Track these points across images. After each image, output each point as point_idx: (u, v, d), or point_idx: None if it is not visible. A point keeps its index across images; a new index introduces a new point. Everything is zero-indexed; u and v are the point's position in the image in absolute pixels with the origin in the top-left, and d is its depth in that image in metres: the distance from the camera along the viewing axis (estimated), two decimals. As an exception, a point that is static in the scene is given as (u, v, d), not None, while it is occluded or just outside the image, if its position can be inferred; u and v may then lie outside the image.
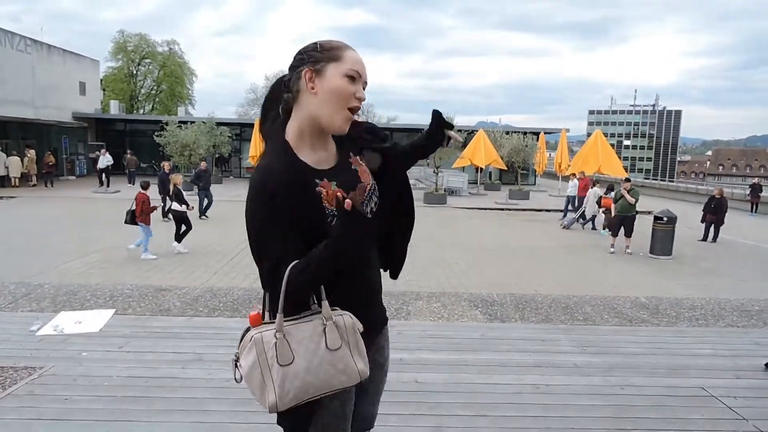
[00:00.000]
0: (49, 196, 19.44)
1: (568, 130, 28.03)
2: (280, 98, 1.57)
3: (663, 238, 11.65)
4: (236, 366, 1.42)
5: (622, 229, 11.79)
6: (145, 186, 9.76)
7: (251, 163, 25.70)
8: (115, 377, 3.55)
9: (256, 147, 23.61)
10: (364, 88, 1.54)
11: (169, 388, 3.39)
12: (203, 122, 24.53)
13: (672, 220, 11.71)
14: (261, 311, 1.48)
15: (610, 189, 15.60)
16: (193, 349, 4.04)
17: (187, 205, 10.16)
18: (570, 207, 17.39)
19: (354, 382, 1.45)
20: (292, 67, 1.54)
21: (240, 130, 31.58)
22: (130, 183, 24.78)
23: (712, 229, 14.05)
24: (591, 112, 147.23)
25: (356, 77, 1.50)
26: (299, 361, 1.36)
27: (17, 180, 21.98)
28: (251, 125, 25.52)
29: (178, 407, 3.15)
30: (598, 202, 14.95)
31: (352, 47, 1.54)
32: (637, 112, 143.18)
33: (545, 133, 30.28)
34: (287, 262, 1.37)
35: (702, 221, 14.29)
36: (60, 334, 4.39)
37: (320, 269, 1.37)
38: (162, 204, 12.47)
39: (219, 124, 25.86)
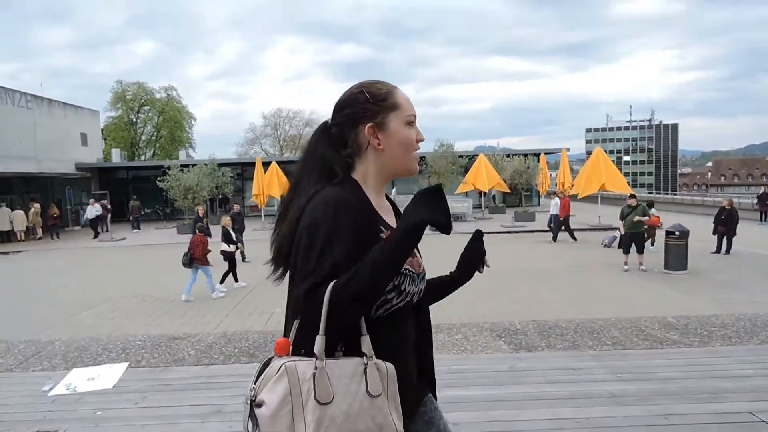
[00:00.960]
0: (54, 248, 19.40)
1: (568, 150, 28.10)
2: (334, 153, 1.41)
3: (677, 253, 11.47)
4: (252, 408, 1.14)
5: (633, 246, 11.63)
6: (202, 230, 10.21)
7: (255, 202, 25.76)
8: (133, 437, 3.39)
9: (259, 185, 23.68)
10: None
11: (191, 445, 3.23)
12: (205, 164, 24.63)
13: (684, 233, 11.55)
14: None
15: (650, 206, 15.34)
16: (211, 400, 3.88)
17: (236, 245, 10.44)
18: (552, 224, 17.87)
19: None
20: (342, 123, 1.42)
21: (241, 170, 31.77)
22: (134, 229, 24.78)
23: (724, 240, 13.86)
24: (588, 130, 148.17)
25: (414, 120, 1.44)
26: (339, 401, 1.12)
27: (23, 234, 21.99)
28: (252, 164, 25.60)
29: (201, 466, 2.98)
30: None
31: (397, 86, 1.46)
32: (634, 128, 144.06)
33: (545, 153, 30.37)
34: (329, 282, 1.18)
35: (714, 233, 14.11)
36: (73, 393, 4.24)
37: (371, 275, 1.17)
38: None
39: (220, 164, 25.97)
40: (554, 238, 17.16)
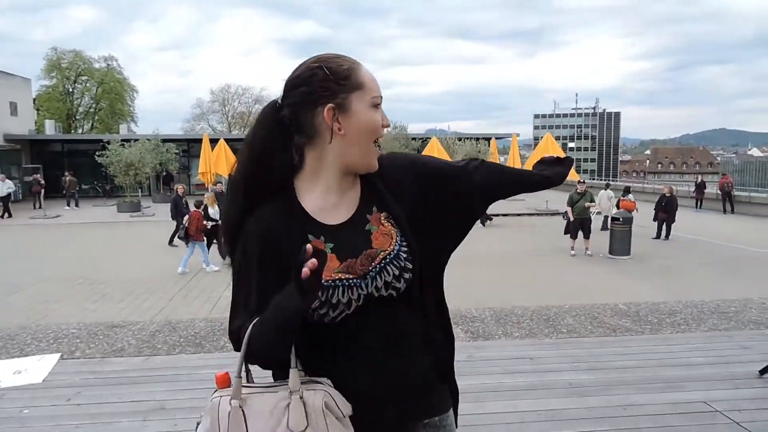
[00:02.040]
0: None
1: (518, 135, 28.54)
2: (282, 142, 1.23)
3: (621, 239, 11.83)
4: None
5: (581, 231, 11.90)
6: (198, 205, 10.29)
7: (201, 180, 24.86)
8: (64, 438, 3.09)
9: (205, 163, 22.84)
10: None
11: (129, 448, 2.96)
12: (148, 139, 23.56)
13: (628, 220, 11.91)
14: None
15: (627, 191, 15.82)
16: (153, 395, 3.60)
17: (214, 221, 10.27)
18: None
19: None
20: (296, 104, 1.21)
21: (188, 146, 30.61)
22: (68, 206, 23.48)
23: (664, 226, 14.42)
24: (536, 116, 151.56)
25: (380, 103, 1.24)
26: None
27: (-54, 209, 20.45)
28: (199, 140, 24.65)
29: (140, 471, 2.73)
30: (617, 205, 14.78)
31: (360, 62, 1.24)
32: (579, 115, 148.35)
33: (496, 138, 30.74)
34: (246, 318, 1.18)
35: (654, 219, 14.66)
36: (-4, 388, 3.85)
37: (268, 333, 1.13)
38: (176, 228, 11.75)
39: (165, 140, 24.89)
40: (482, 222, 16.93)
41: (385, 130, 1.28)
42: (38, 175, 24.60)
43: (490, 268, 9.93)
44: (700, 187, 23.99)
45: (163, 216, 20.14)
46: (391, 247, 1.24)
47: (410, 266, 1.24)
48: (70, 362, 4.39)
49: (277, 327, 1.12)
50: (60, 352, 4.61)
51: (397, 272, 1.22)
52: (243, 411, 1.13)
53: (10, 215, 20.37)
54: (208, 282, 8.73)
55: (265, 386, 1.17)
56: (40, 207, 22.43)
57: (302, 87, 1.20)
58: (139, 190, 23.97)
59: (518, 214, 20.69)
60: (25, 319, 6.25)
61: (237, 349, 1.19)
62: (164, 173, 26.98)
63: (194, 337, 4.96)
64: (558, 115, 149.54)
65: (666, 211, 14.46)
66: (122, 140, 22.79)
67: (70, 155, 30.65)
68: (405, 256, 1.24)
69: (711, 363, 4.06)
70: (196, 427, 1.22)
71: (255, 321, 1.15)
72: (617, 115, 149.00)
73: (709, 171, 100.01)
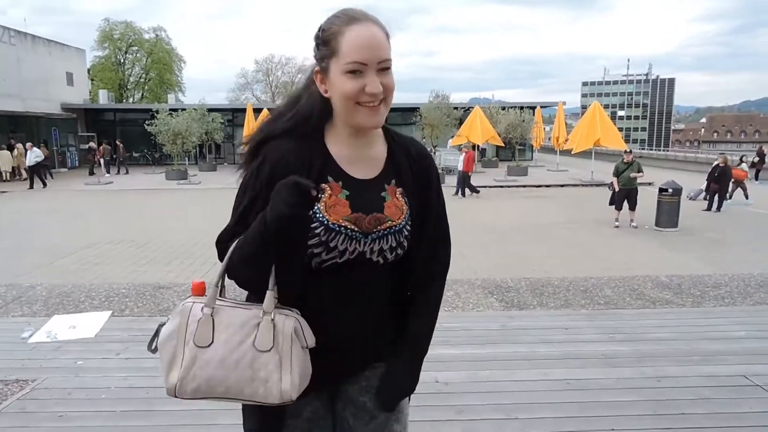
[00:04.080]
0: (40, 189, 19.05)
1: (564, 104, 27.68)
2: (315, 95, 1.32)
3: (669, 210, 11.42)
4: (157, 332, 1.24)
5: (626, 202, 11.55)
6: None
7: (245, 150, 25.28)
8: (114, 388, 3.30)
9: (249, 132, 23.16)
10: (388, 68, 1.24)
11: (172, 399, 3.13)
12: (194, 109, 24.00)
13: (677, 191, 11.47)
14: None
15: (741, 160, 15.59)
16: (195, 353, 3.78)
17: None
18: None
19: (271, 401, 1.18)
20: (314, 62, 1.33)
21: (232, 116, 31.12)
22: (108, 172, 24.35)
23: (716, 198, 13.84)
24: (584, 84, 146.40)
25: (362, 69, 1.21)
26: (217, 347, 1.17)
27: (8, 174, 21.55)
28: (243, 110, 25.05)
29: (181, 421, 2.90)
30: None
31: (357, 20, 1.23)
32: (630, 82, 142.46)
33: (541, 106, 29.90)
34: (239, 232, 1.23)
35: (706, 190, 14.07)
36: (54, 341, 4.13)
37: (239, 256, 1.20)
38: None
39: (210, 110, 25.34)
40: (461, 193, 16.77)
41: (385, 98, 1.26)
42: (93, 143, 25.56)
43: (530, 240, 9.81)
44: (760, 156, 22.79)
45: (209, 183, 20.72)
46: (399, 221, 1.31)
47: (406, 245, 1.33)
48: (119, 319, 4.65)
49: (258, 235, 1.17)
50: (111, 310, 4.88)
51: (394, 244, 1.30)
52: (213, 319, 1.19)
53: (43, 184, 19.59)
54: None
55: (238, 303, 1.24)
56: (92, 174, 23.43)
57: (314, 45, 1.30)
58: (186, 159, 24.60)
59: (561, 185, 20.24)
60: (79, 279, 6.61)
61: (221, 259, 1.26)
62: (210, 142, 27.55)
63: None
64: (608, 83, 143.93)
65: (719, 182, 13.85)
66: (170, 110, 23.32)
67: (122, 123, 31.67)
68: (406, 234, 1.32)
69: (754, 337, 3.94)
70: (158, 328, 1.25)
71: (246, 234, 1.21)
72: (671, 81, 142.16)
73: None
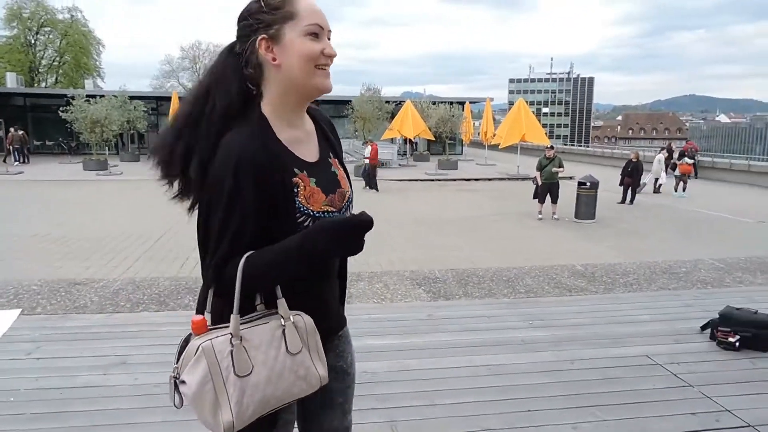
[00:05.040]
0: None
1: (492, 100, 28.52)
2: (236, 75, 1.27)
3: (587, 203, 12.09)
4: (176, 386, 1.17)
5: (548, 196, 12.10)
6: None
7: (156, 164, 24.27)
8: (23, 390, 3.11)
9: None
10: (329, 39, 1.29)
11: (89, 399, 3.01)
12: (114, 96, 22.82)
13: (594, 184, 12.15)
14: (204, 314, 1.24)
15: (681, 155, 17.27)
16: (114, 351, 3.63)
17: None
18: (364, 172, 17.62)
19: (314, 389, 1.29)
20: (240, 37, 1.28)
21: (156, 104, 29.82)
22: (17, 161, 22.77)
23: (629, 191, 14.77)
24: (511, 81, 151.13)
25: (319, 32, 1.26)
26: (260, 369, 1.18)
27: None
28: (168, 98, 24.09)
29: (100, 421, 2.79)
30: (674, 168, 16.65)
31: None
32: (554, 80, 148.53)
33: (470, 102, 30.65)
34: (242, 252, 1.18)
35: (620, 184, 14.99)
36: (-46, 343, 3.83)
37: (286, 268, 1.20)
38: None
39: (132, 97, 24.18)
40: (375, 188, 16.66)
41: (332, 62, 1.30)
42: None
43: (458, 232, 10.08)
44: (669, 152, 24.46)
45: (131, 175, 19.78)
46: (351, 190, 1.44)
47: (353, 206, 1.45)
48: (30, 318, 4.38)
49: (302, 265, 1.20)
50: (20, 308, 4.59)
51: (353, 212, 1.35)
52: (244, 347, 1.17)
53: None
54: (176, 242, 8.67)
55: (249, 320, 1.22)
56: (4, 161, 21.81)
57: (243, 20, 1.27)
58: (107, 148, 23.37)
59: (489, 179, 20.89)
60: (-15, 277, 6.16)
61: (216, 281, 1.20)
62: (132, 131, 26.30)
63: (158, 295, 4.98)
64: (533, 80, 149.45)
65: (631, 176, 14.78)
66: (87, 96, 22.06)
67: (33, 110, 29.56)
68: (353, 198, 1.45)
69: (656, 320, 4.26)
70: (173, 382, 1.18)
71: (264, 253, 1.19)
72: (591, 80, 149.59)
73: (678, 137, 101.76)
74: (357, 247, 1.21)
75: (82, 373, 3.31)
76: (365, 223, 1.18)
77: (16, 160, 22.76)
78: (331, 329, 1.51)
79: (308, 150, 1.34)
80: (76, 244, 8.43)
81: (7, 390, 3.10)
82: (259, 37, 1.23)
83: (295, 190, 1.25)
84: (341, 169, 1.43)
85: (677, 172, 17.53)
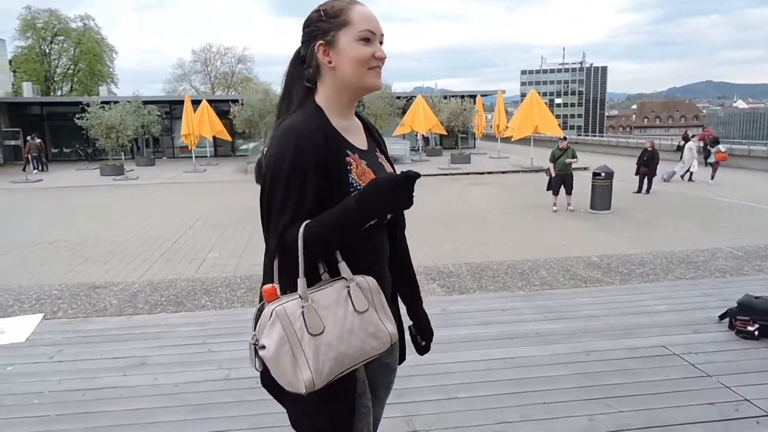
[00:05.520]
0: (-40, 190, 17.87)
1: (503, 92, 28.33)
2: (299, 75, 1.46)
3: (602, 193, 11.97)
4: (256, 351, 1.26)
5: (563, 187, 12.00)
6: None
7: (184, 142, 24.55)
8: (47, 393, 3.19)
9: (188, 125, 22.55)
10: (382, 43, 1.44)
11: (110, 400, 3.07)
12: (128, 101, 23.08)
13: (609, 175, 12.01)
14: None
15: (715, 142, 17.71)
16: (134, 352, 3.70)
17: None
18: None
19: (386, 347, 1.36)
20: (304, 42, 1.45)
21: (170, 108, 30.13)
22: (36, 169, 23.15)
23: (645, 180, 14.59)
24: (523, 72, 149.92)
25: (371, 37, 1.40)
26: (331, 329, 1.26)
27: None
28: (181, 102, 24.25)
29: (120, 421, 2.85)
30: (707, 156, 16.96)
31: (358, 1, 1.43)
32: (566, 70, 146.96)
33: (482, 95, 30.50)
34: (301, 221, 1.27)
35: (636, 174, 14.80)
36: (-20, 348, 3.93)
37: (345, 225, 1.28)
38: None
39: (146, 102, 24.43)
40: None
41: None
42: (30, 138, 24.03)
43: (472, 226, 10.06)
44: (685, 140, 24.08)
45: (147, 179, 20.03)
46: None
47: None
48: (52, 322, 4.48)
49: (363, 219, 1.29)
50: (42, 313, 4.69)
51: None
52: (314, 308, 1.26)
53: None
54: (192, 245, 8.77)
55: (317, 288, 1.30)
56: (24, 170, 22.19)
57: (306, 28, 1.43)
58: (122, 154, 23.67)
59: (503, 172, 20.77)
60: (7, 282, 6.30)
61: (282, 252, 1.28)
62: (147, 136, 26.60)
63: (175, 296, 5.05)
64: (545, 71, 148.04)
65: (647, 165, 14.59)
66: (102, 102, 22.33)
67: (50, 118, 30.04)
68: None
69: (673, 310, 4.22)
70: (253, 347, 1.25)
71: (323, 217, 1.27)
72: (604, 69, 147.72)
73: (695, 124, 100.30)
74: (408, 199, 1.29)
75: (102, 375, 3.38)
76: (413, 175, 1.28)
77: (35, 168, 23.15)
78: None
79: (358, 139, 1.47)
80: (95, 248, 8.56)
81: (32, 393, 3.18)
82: (318, 43, 1.39)
83: (349, 167, 1.37)
84: (387, 163, 1.54)
85: (712, 159, 17.40)
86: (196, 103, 23.70)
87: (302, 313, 1.23)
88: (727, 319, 3.82)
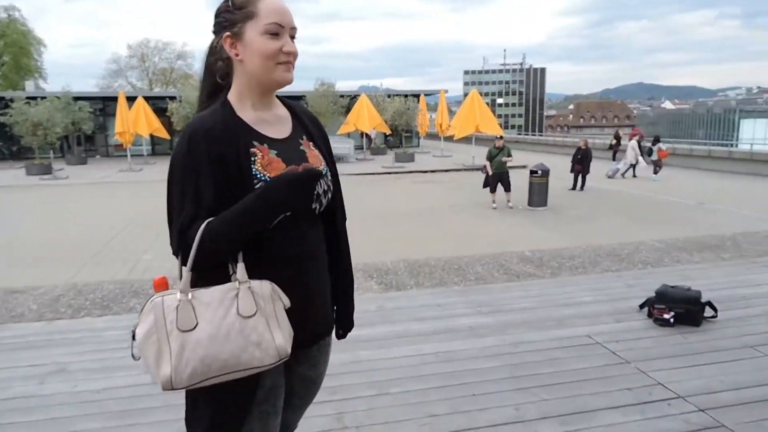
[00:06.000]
0: None
1: (446, 91, 28.73)
2: (213, 67, 1.43)
3: (539, 190, 12.36)
4: (133, 338, 1.23)
5: (501, 185, 12.30)
6: None
7: (118, 140, 23.56)
8: (-44, 406, 2.98)
9: (123, 122, 21.64)
10: (294, 37, 1.39)
11: (25, 410, 2.90)
12: (57, 97, 21.93)
13: (546, 172, 12.42)
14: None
15: (657, 140, 18.75)
16: (53, 358, 3.51)
17: None
18: None
19: (273, 360, 1.25)
20: (214, 33, 1.41)
21: (103, 105, 28.81)
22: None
23: (579, 178, 15.17)
24: (466, 72, 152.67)
25: (279, 30, 1.35)
26: (204, 326, 1.20)
27: None
28: (116, 98, 23.26)
29: (36, 431, 2.70)
30: (650, 153, 18.23)
31: None
32: (507, 71, 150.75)
33: (425, 95, 30.82)
34: (202, 218, 1.25)
35: (571, 171, 15.37)
36: None
37: (243, 223, 1.24)
38: None
39: (77, 98, 23.30)
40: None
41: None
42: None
43: (414, 224, 10.16)
44: (617, 139, 25.16)
45: (78, 178, 19.09)
46: (322, 167, 1.47)
47: (332, 188, 1.49)
48: (-37, 331, 4.19)
49: (261, 217, 1.25)
50: (-48, 321, 4.39)
51: (326, 188, 1.45)
52: (192, 303, 1.21)
53: None
54: (125, 247, 8.44)
55: (208, 286, 1.26)
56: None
57: (215, 18, 1.39)
58: (51, 152, 22.48)
59: (446, 170, 21.09)
60: None
61: (182, 247, 1.26)
62: (78, 133, 25.37)
63: (101, 300, 4.84)
64: (487, 72, 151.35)
65: (581, 163, 15.17)
66: (28, 98, 21.13)
67: (-31, 114, 28.14)
68: (330, 178, 1.49)
69: (599, 301, 4.40)
70: (133, 333, 1.23)
71: (223, 215, 1.24)
72: (543, 71, 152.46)
73: (627, 124, 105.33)
74: (307, 198, 1.30)
75: (16, 384, 3.19)
76: (311, 173, 1.29)
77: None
78: (317, 334, 1.51)
79: (275, 129, 1.42)
80: (19, 251, 8.09)
81: (-63, 406, 2.96)
82: (225, 35, 1.35)
83: (253, 158, 1.32)
84: (315, 150, 1.48)
85: (655, 157, 18.45)
86: (131, 99, 22.80)
87: (177, 307, 1.20)
88: (646, 308, 4.02)
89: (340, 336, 1.68)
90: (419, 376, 3.20)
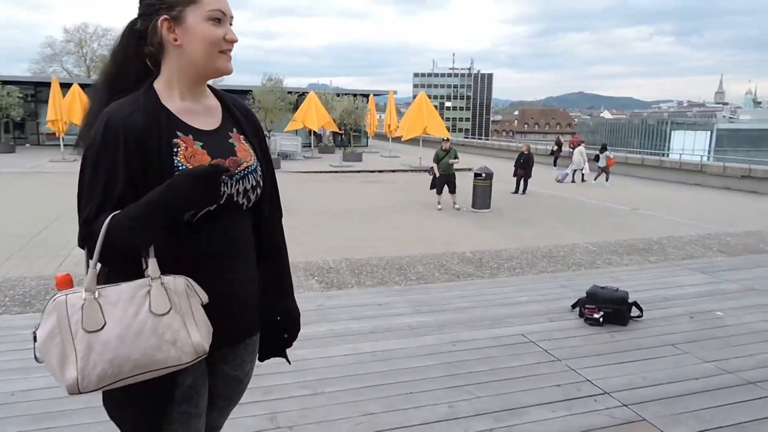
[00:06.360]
0: None
1: (395, 92, 28.92)
2: (133, 53, 1.35)
3: (482, 193, 12.63)
4: (35, 339, 1.15)
5: (447, 186, 12.49)
6: None
7: (51, 129, 22.38)
8: None
9: (56, 110, 20.59)
10: (231, 25, 1.35)
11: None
12: (-17, 81, 20.62)
13: (489, 175, 12.71)
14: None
15: (604, 148, 19.72)
16: (-37, 360, 3.29)
17: None
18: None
19: (190, 358, 1.19)
20: (142, 15, 1.33)
21: (35, 90, 27.32)
22: None
23: (522, 182, 15.61)
24: (416, 75, 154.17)
25: (221, 17, 1.31)
26: (113, 326, 1.13)
27: None
28: (48, 84, 22.08)
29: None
30: (597, 159, 19.11)
31: None
32: (456, 75, 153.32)
33: (375, 95, 30.91)
34: (110, 210, 1.18)
35: (513, 175, 15.80)
36: None
37: (149, 218, 1.18)
38: None
39: (5, 82, 21.99)
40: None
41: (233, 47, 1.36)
42: None
43: (360, 223, 10.15)
44: (558, 145, 26.08)
45: (5, 167, 18.00)
46: (251, 162, 1.41)
47: (262, 183, 1.44)
48: None
49: (167, 213, 1.19)
50: None
51: (254, 183, 1.40)
52: (98, 301, 1.14)
53: None
54: (55, 240, 8.02)
55: (117, 284, 1.19)
56: None
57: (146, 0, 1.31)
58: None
59: (393, 171, 21.21)
60: None
61: (87, 240, 1.19)
62: (6, 120, 23.94)
63: (22, 296, 4.58)
64: (436, 75, 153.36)
65: (524, 167, 15.61)
66: (-51, 81, 19.76)
67: None
68: (260, 173, 1.43)
69: (534, 301, 4.53)
70: (34, 335, 1.15)
71: (129, 209, 1.18)
72: (490, 76, 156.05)
73: (568, 131, 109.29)
74: (211, 194, 1.24)
75: None
76: (218, 168, 1.23)
77: None
78: (244, 331, 1.46)
79: (203, 121, 1.36)
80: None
81: None
82: (162, 18, 1.28)
83: (175, 149, 1.27)
84: (246, 144, 1.43)
85: (603, 164, 19.36)
86: (66, 86, 21.71)
87: (82, 306, 1.13)
88: (578, 308, 4.17)
89: (286, 341, 1.60)
90: (356, 375, 3.19)
